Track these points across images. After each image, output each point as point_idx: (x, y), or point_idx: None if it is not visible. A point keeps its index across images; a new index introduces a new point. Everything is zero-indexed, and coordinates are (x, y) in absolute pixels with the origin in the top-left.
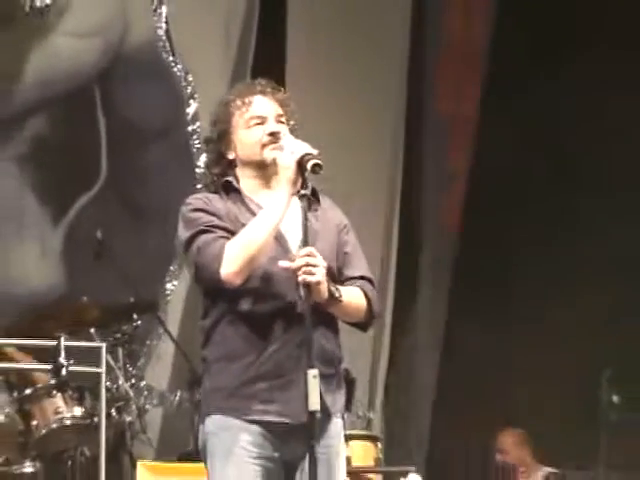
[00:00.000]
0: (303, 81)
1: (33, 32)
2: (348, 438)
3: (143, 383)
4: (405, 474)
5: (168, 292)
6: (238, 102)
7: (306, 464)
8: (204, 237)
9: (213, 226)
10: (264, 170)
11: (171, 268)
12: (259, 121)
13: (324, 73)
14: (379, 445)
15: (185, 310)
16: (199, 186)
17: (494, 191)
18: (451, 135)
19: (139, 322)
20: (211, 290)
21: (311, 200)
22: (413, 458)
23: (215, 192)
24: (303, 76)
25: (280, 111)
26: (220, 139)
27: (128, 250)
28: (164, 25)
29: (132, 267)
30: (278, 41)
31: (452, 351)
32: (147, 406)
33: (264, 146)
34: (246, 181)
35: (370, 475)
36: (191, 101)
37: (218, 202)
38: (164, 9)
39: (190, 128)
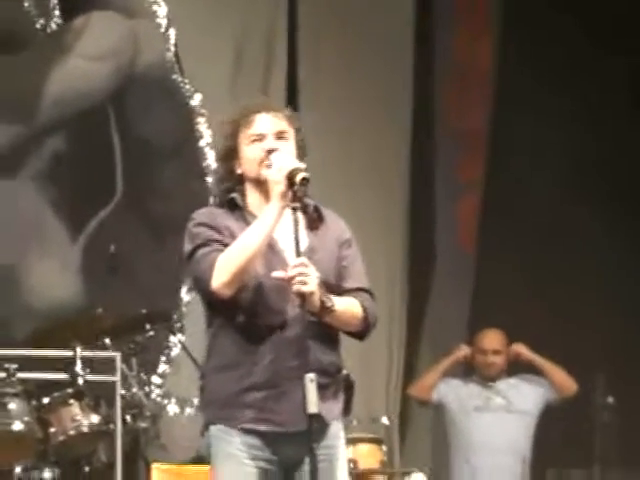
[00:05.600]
0: (312, 100)
1: (50, 54)
2: (354, 441)
3: (160, 391)
4: (409, 474)
5: (183, 303)
6: (242, 120)
7: (306, 467)
8: (202, 251)
9: (212, 240)
10: (264, 186)
11: (187, 279)
12: (258, 138)
13: (331, 90)
14: (384, 448)
15: (200, 320)
16: (210, 200)
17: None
18: (461, 149)
19: (152, 332)
20: (208, 302)
21: (313, 218)
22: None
23: (222, 207)
24: (312, 96)
25: (282, 128)
26: (228, 155)
27: (143, 263)
28: (173, 47)
29: (147, 279)
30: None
31: None
32: (170, 413)
33: (261, 163)
34: (252, 196)
35: (375, 476)
36: (200, 119)
37: (221, 217)
38: (172, 32)
39: (200, 145)
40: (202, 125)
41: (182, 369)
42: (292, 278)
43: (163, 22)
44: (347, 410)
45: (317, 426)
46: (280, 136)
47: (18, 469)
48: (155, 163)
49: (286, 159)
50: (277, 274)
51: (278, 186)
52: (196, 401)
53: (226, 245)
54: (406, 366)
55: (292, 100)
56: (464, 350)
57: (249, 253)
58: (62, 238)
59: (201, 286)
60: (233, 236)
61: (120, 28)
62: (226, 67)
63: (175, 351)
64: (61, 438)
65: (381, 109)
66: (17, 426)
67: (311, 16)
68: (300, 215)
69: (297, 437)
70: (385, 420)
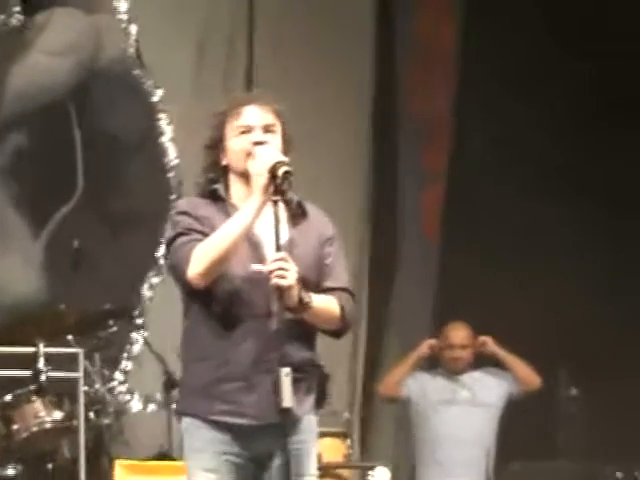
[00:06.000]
0: (271, 84)
1: (12, 50)
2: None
3: (123, 387)
4: (373, 468)
5: (146, 298)
6: (230, 111)
7: (275, 461)
8: (180, 239)
9: (191, 229)
10: (248, 178)
11: (149, 275)
12: (245, 130)
13: (290, 76)
14: (348, 441)
15: (163, 315)
16: (173, 196)
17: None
18: (425, 136)
19: (115, 328)
20: (185, 291)
21: (295, 213)
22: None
23: (205, 197)
24: (271, 79)
25: (270, 121)
26: (214, 146)
27: (106, 259)
28: (134, 42)
29: (109, 275)
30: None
31: None
32: (134, 409)
33: (248, 155)
34: (236, 188)
35: (340, 470)
36: (161, 114)
37: (203, 207)
38: (134, 27)
39: (162, 141)
40: (164, 121)
41: (144, 365)
42: (271, 272)
43: (124, 17)
44: (321, 403)
45: (289, 420)
46: (268, 129)
47: None
48: (117, 159)
49: (269, 152)
50: (256, 267)
51: (260, 179)
52: (159, 397)
53: (206, 235)
54: (369, 358)
55: (249, 85)
56: (430, 343)
57: (226, 245)
58: (24, 234)
59: (177, 274)
60: (213, 227)
61: (81, 24)
62: (187, 62)
63: (137, 347)
64: (24, 435)
65: (342, 93)
66: None
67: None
68: (282, 209)
69: (267, 431)
70: (347, 414)
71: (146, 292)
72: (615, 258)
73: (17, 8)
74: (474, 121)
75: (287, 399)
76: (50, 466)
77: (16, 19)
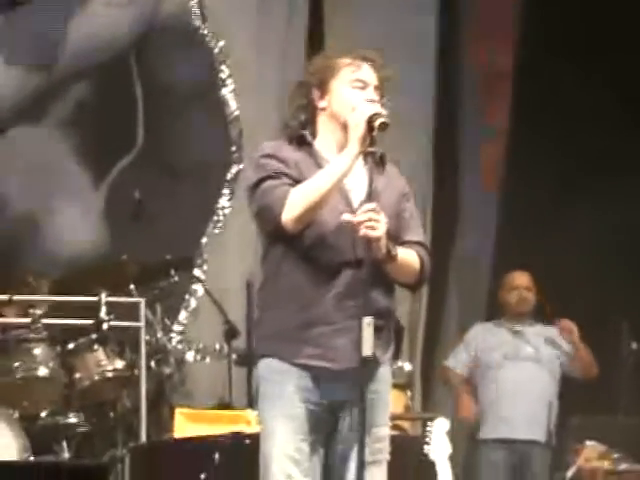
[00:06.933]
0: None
1: (72, 1)
2: None
3: (183, 337)
4: (432, 419)
5: (204, 249)
6: (349, 60)
7: (351, 409)
8: (270, 182)
9: (281, 173)
10: (345, 131)
11: (209, 226)
12: (361, 85)
13: (353, 34)
14: (408, 393)
15: (221, 266)
16: (234, 147)
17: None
18: (487, 93)
19: (176, 278)
20: (271, 234)
21: (378, 163)
22: None
23: (291, 142)
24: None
25: (380, 84)
26: (318, 86)
27: (165, 210)
28: None
29: (169, 226)
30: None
31: None
32: (190, 359)
33: (353, 109)
34: (325, 135)
35: (401, 422)
36: (223, 66)
37: (289, 151)
38: None
39: (223, 93)
40: (225, 72)
41: (203, 316)
42: (362, 222)
43: None
44: (396, 354)
45: (370, 367)
46: (377, 91)
47: (44, 414)
48: (177, 111)
49: (369, 104)
50: (346, 216)
51: (356, 129)
52: (217, 348)
53: (294, 179)
54: (431, 309)
55: (319, 44)
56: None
57: (324, 192)
58: (85, 185)
59: (269, 217)
60: (301, 172)
61: None
62: (250, 14)
63: (196, 298)
64: (86, 383)
65: (406, 48)
66: (42, 371)
67: None
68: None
69: (348, 376)
70: (408, 366)
71: (206, 243)
72: None
73: None
74: (536, 79)
75: (368, 347)
76: (111, 415)
77: None
